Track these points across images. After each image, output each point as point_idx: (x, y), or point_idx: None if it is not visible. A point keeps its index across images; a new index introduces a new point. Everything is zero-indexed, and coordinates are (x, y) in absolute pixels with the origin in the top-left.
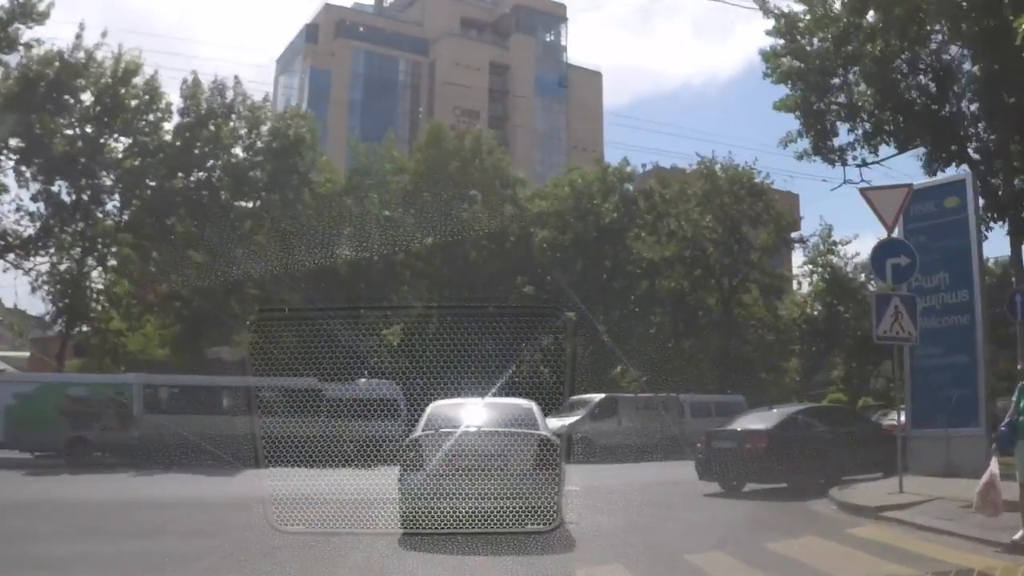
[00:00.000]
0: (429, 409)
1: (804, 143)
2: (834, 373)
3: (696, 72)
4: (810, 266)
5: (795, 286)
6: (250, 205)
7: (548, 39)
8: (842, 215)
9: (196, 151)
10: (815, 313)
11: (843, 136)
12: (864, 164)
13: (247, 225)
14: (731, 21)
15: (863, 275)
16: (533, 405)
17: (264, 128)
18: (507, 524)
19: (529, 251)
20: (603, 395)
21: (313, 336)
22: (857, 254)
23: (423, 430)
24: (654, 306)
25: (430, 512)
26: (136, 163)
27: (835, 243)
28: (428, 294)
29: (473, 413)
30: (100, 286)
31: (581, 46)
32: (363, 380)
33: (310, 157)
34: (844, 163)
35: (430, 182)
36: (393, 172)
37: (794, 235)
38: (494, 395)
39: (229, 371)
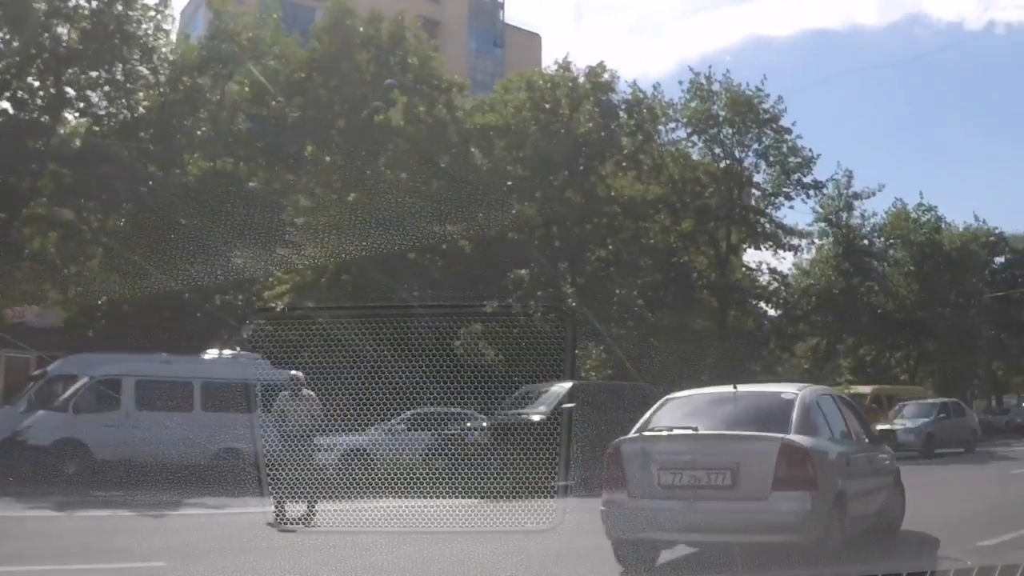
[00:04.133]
0: (659, 402)
1: None
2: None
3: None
4: (822, 224)
5: (806, 248)
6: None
7: None
8: (863, 159)
9: None
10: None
11: None
12: None
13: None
14: (663, 22)
15: (882, 240)
16: (802, 394)
17: None
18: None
19: (469, 178)
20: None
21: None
22: (875, 214)
23: (635, 431)
24: (641, 257)
25: (646, 549)
26: None
27: (855, 195)
28: (326, 232)
29: (708, 408)
30: None
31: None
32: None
33: (154, 23)
34: None
35: (330, 75)
36: (270, 45)
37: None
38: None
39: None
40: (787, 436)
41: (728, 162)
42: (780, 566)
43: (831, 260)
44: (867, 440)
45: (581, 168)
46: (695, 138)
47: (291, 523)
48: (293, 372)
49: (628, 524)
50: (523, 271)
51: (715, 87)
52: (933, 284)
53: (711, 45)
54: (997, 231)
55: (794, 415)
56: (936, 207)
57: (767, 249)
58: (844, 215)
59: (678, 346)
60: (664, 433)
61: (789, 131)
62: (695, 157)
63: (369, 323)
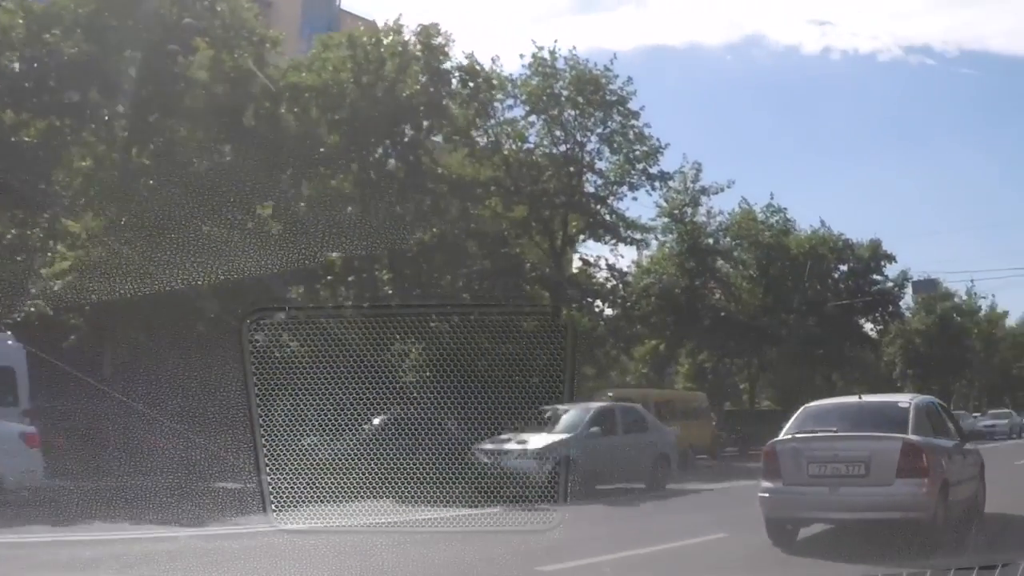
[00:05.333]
0: (800, 411)
1: None
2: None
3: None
4: (666, 219)
5: (648, 245)
6: None
7: None
8: (712, 153)
9: None
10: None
11: None
12: None
13: None
14: (504, 28)
15: (728, 239)
16: (914, 403)
17: None
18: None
19: (276, 143)
20: None
21: None
22: (721, 212)
23: (784, 434)
24: (468, 242)
25: (792, 524)
26: None
27: (703, 190)
28: (109, 198)
29: (841, 414)
30: None
31: None
32: None
33: None
34: None
35: (125, 14)
36: None
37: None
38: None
39: None
40: (907, 436)
41: (569, 146)
42: (785, 566)
43: (674, 258)
44: (959, 439)
45: (406, 140)
46: (534, 118)
47: None
48: None
49: (784, 506)
50: (335, 254)
51: (559, 64)
52: (778, 289)
53: None
54: (844, 237)
55: (910, 419)
56: (785, 209)
57: (606, 243)
58: (690, 211)
59: (506, 346)
60: (812, 434)
61: (637, 115)
62: (533, 139)
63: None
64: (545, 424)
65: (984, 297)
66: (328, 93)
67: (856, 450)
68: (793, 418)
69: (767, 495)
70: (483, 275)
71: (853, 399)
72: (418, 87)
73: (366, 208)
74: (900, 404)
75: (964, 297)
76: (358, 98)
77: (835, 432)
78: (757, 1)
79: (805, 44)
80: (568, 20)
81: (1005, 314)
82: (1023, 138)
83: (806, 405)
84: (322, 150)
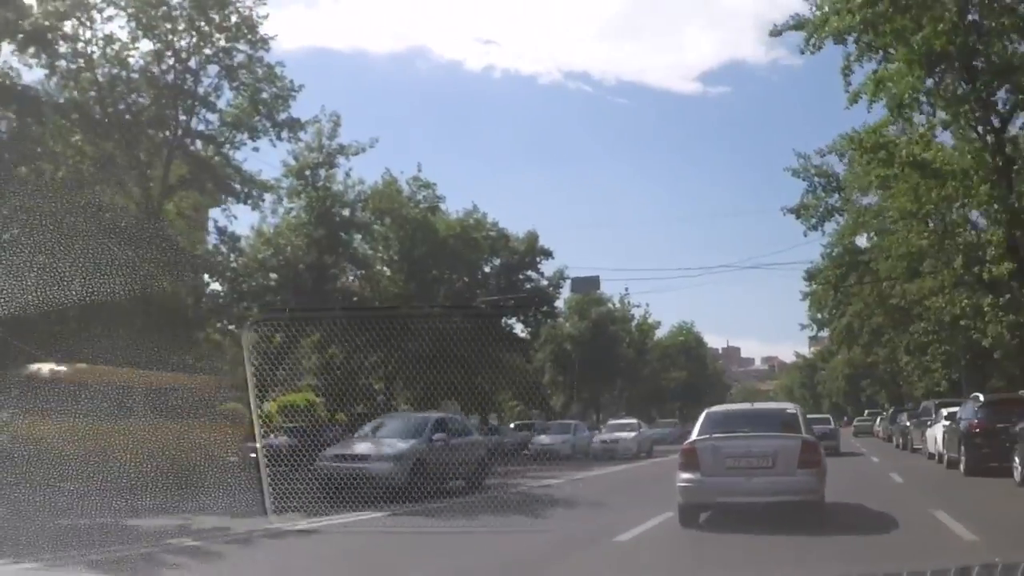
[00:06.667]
0: (703, 415)
1: None
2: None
3: None
4: (294, 179)
5: (271, 209)
6: None
7: None
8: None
9: None
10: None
11: None
12: None
13: None
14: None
15: (367, 213)
16: (798, 409)
17: None
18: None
19: None
20: None
21: None
22: (362, 181)
23: (697, 435)
24: (18, 171)
25: (704, 508)
26: None
27: (341, 149)
28: None
29: (741, 418)
30: None
31: None
32: None
33: None
34: None
35: None
36: None
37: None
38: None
39: None
40: (804, 435)
41: (179, 76)
42: (786, 565)
43: (301, 228)
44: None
45: None
46: (140, 34)
47: None
48: None
49: (704, 493)
50: None
51: None
52: (422, 276)
53: None
54: (500, 227)
55: (801, 422)
56: (435, 184)
57: (220, 205)
58: (323, 172)
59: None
60: (728, 434)
61: (266, 43)
62: (136, 63)
63: None
64: None
65: (638, 305)
66: None
67: (764, 447)
68: (700, 422)
69: (688, 484)
70: (52, 227)
71: (747, 406)
72: None
73: None
74: (788, 410)
75: (618, 304)
76: None
77: (748, 432)
78: (423, 15)
79: (469, 60)
80: None
81: (657, 324)
82: (671, 162)
83: (707, 411)
84: None
